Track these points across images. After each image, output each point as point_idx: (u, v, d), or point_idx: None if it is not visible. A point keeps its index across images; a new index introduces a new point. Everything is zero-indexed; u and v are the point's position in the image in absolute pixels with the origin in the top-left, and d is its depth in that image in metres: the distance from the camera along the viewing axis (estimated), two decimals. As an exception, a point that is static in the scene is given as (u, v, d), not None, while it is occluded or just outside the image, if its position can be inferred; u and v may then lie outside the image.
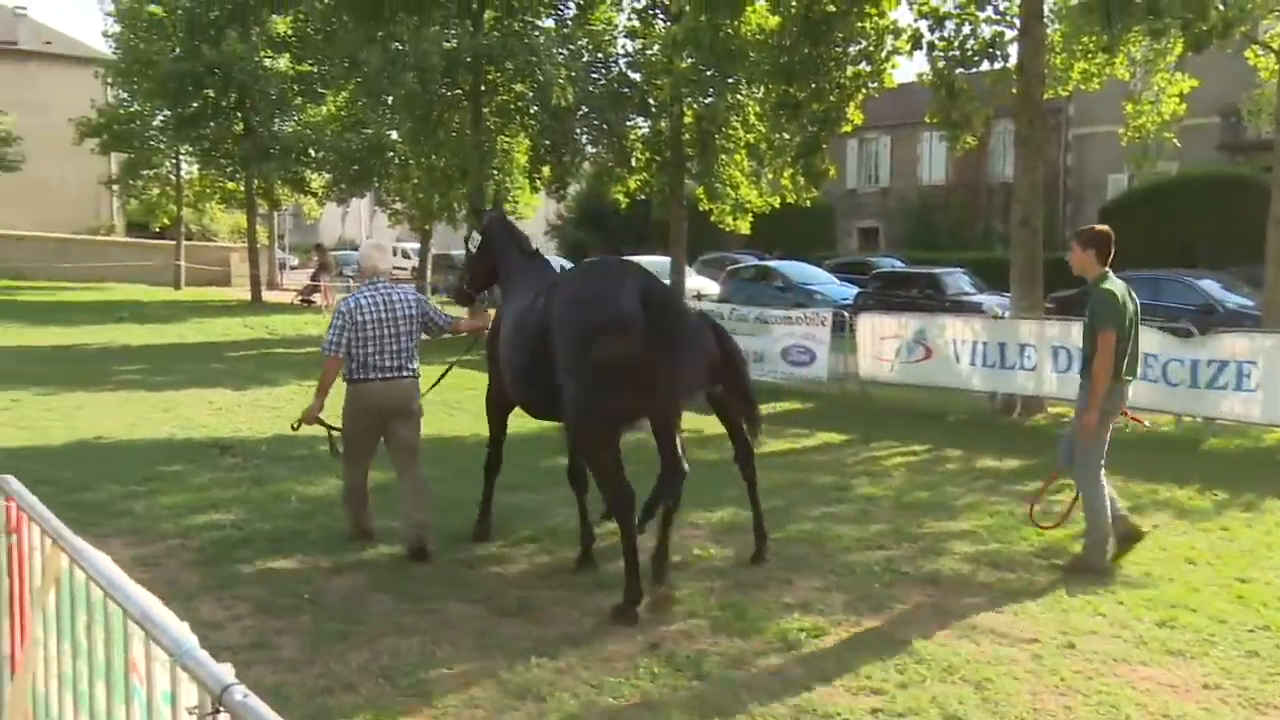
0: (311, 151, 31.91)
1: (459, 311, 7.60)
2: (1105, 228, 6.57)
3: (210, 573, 6.09)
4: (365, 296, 6.56)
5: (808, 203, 20.51)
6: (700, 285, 28.57)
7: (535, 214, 30.59)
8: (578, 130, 24.19)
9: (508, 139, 25.82)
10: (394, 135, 30.89)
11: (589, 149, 25.25)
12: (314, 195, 35.08)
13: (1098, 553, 6.40)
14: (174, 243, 38.86)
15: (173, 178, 36.46)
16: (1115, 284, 6.39)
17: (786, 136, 17.00)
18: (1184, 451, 10.43)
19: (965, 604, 5.79)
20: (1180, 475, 9.07)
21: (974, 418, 12.68)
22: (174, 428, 10.88)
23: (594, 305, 5.39)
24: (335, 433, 6.83)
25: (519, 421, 7.15)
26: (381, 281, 6.68)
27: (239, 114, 31.19)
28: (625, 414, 5.51)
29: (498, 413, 6.98)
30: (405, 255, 49.36)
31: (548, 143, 24.67)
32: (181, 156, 35.20)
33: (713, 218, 24.73)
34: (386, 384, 6.53)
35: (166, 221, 39.49)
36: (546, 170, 25.55)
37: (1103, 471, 6.45)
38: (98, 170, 39.93)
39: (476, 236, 7.19)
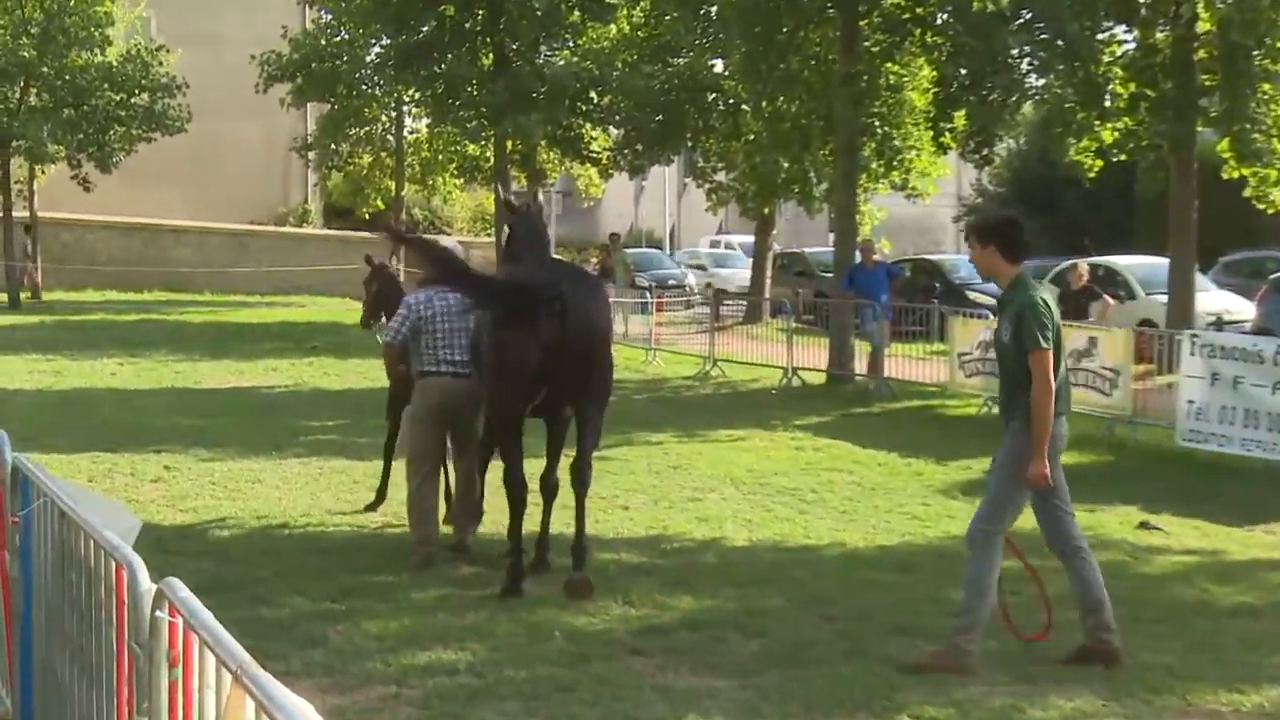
0: (593, 95, 33.18)
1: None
2: (1010, 216, 8.67)
3: (437, 740, 6.48)
4: (436, 292, 10.00)
5: None
6: (1221, 303, 27.26)
7: (938, 189, 30.50)
8: (1014, 51, 23.89)
9: (898, 69, 25.94)
10: (718, 67, 31.78)
11: (1032, 80, 24.87)
12: (595, 162, 36.45)
13: (965, 643, 7.67)
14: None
15: (390, 138, 39.03)
16: (1037, 289, 7.99)
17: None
18: None
19: None
20: None
21: None
22: (386, 515, 11.66)
23: (493, 304, 9.28)
24: None
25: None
26: None
27: (488, 41, 33.03)
28: (514, 402, 9.29)
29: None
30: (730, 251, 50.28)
31: (963, 72, 24.52)
32: (405, 107, 37.66)
33: (1247, 191, 23.64)
34: (454, 380, 9.93)
35: (380, 205, 42.25)
36: (959, 118, 25.37)
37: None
38: (288, 130, 43.33)
39: (506, 228, 10.58)
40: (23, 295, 36.65)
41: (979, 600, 7.71)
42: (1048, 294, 8.04)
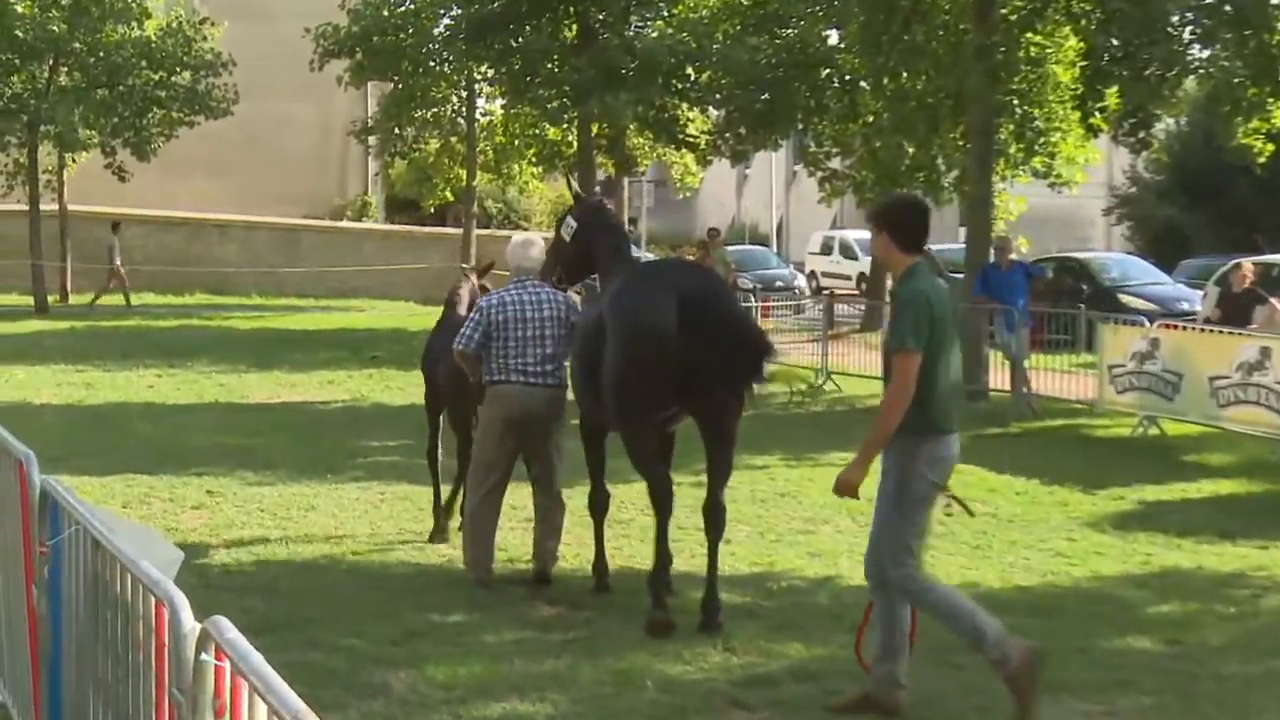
0: (690, 72, 33.18)
1: None
2: (908, 198, 9.19)
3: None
4: (510, 294, 10.44)
5: None
6: None
7: (1086, 177, 30.24)
8: (1174, 18, 23.68)
9: (1040, 40, 25.78)
10: (833, 39, 31.69)
11: (1195, 51, 24.63)
12: (692, 147, 36.43)
13: (1002, 652, 7.54)
14: (459, 231, 41.73)
15: (461, 121, 39.21)
16: (925, 283, 7.90)
17: None
18: None
19: None
20: None
21: None
22: (454, 546, 11.72)
23: (629, 307, 9.46)
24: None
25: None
26: (530, 280, 10.54)
27: (572, 11, 33.16)
28: (651, 410, 9.50)
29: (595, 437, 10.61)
30: (845, 252, 50.06)
31: (1115, 43, 24.32)
32: (478, 85, 37.84)
33: None
34: (526, 389, 10.25)
35: (449, 196, 42.45)
36: (1111, 95, 25.14)
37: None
38: (346, 113, 43.59)
39: (571, 222, 10.80)
40: (113, 298, 37.03)
41: (970, 623, 7.71)
42: (938, 291, 7.96)
